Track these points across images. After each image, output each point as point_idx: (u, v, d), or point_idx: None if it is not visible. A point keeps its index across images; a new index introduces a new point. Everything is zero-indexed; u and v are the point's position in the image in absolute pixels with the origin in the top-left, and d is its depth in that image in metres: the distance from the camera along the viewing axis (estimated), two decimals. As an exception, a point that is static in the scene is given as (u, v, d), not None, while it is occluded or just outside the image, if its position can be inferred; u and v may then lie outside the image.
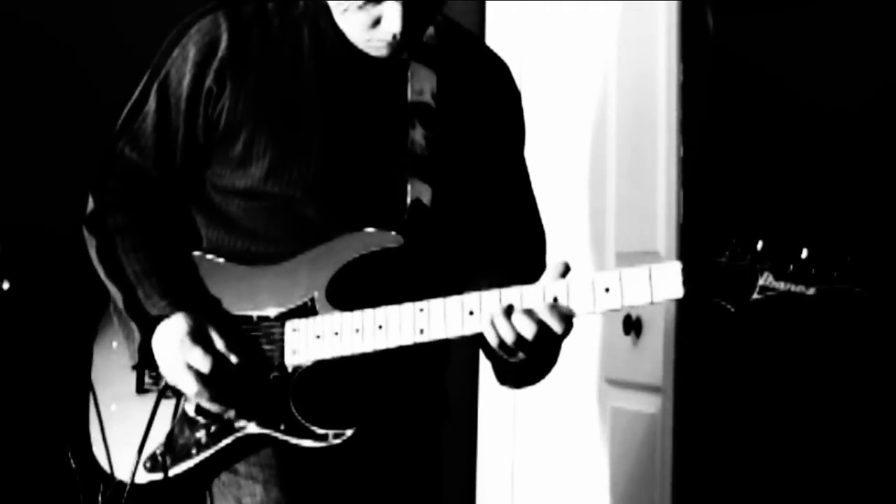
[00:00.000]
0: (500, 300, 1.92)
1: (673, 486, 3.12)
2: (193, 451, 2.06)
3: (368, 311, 1.99)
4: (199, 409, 2.06)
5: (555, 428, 3.69)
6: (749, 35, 3.59)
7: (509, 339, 1.90)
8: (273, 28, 2.08)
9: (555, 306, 1.89)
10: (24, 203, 3.25)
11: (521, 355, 1.93)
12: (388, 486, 2.15)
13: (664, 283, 1.83)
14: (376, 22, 1.99)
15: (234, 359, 2.01)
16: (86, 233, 2.15)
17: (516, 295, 1.91)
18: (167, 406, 2.06)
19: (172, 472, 2.07)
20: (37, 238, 3.21)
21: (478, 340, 1.98)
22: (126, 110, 2.15)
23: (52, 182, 3.23)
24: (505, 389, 2.24)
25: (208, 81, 2.07)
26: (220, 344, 2.01)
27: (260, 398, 2.04)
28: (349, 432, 1.99)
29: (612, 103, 3.51)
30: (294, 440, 2.01)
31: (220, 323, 2.04)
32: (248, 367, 2.03)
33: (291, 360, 2.03)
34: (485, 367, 3.71)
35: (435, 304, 1.95)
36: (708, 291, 1.81)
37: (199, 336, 2.00)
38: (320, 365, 2.03)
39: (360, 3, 1.98)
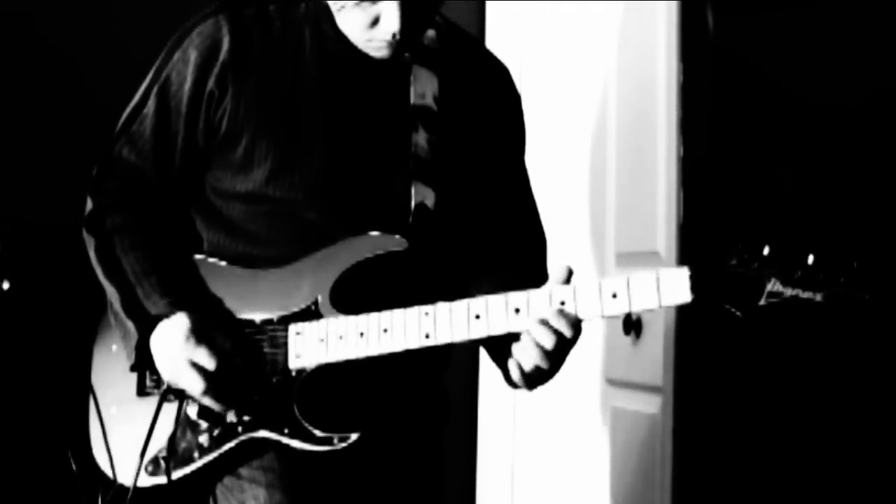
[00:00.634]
0: (507, 304, 1.91)
1: (673, 486, 3.12)
2: (196, 454, 2.06)
3: (373, 315, 1.98)
4: (202, 413, 2.06)
5: (555, 428, 3.69)
6: (749, 35, 3.58)
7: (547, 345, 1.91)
8: (275, 31, 2.08)
9: (563, 313, 1.89)
10: (24, 203, 3.24)
11: (543, 365, 1.93)
12: (390, 489, 2.15)
13: (672, 288, 1.82)
14: (375, 21, 1.99)
15: (239, 359, 2.00)
16: (85, 233, 2.15)
17: (523, 299, 1.91)
18: (169, 409, 2.06)
19: (175, 475, 2.06)
20: (37, 238, 3.20)
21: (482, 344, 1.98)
22: (126, 113, 2.15)
23: (53, 182, 3.22)
24: (505, 389, 2.24)
25: (210, 85, 2.06)
26: (224, 344, 2.01)
27: (263, 401, 2.03)
28: (354, 436, 1.99)
29: (613, 103, 3.50)
30: (298, 444, 2.01)
31: (224, 324, 2.04)
32: (252, 369, 2.02)
33: (295, 363, 2.03)
34: (485, 367, 3.71)
35: (441, 308, 1.95)
36: (716, 297, 1.81)
37: (203, 335, 2.00)
38: (323, 368, 2.02)
39: (356, 0, 1.97)
